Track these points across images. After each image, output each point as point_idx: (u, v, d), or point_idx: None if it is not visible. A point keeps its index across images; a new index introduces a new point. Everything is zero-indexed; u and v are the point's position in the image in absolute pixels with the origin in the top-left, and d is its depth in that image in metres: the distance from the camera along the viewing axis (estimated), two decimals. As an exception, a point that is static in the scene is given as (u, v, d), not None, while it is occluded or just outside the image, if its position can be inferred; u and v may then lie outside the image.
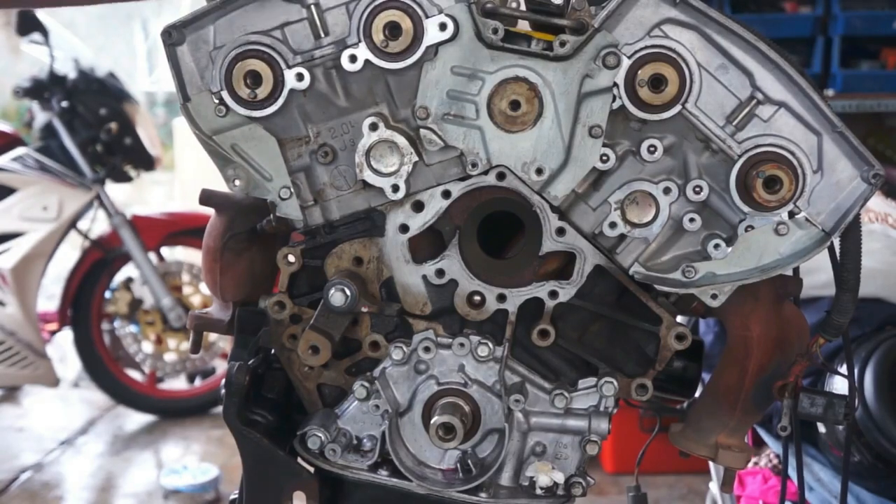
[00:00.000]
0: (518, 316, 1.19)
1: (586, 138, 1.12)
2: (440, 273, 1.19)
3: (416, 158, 1.14)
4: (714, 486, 2.45)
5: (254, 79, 1.13)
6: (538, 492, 1.20)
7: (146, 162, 4.42)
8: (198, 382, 4.60)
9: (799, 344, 1.24)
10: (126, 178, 4.45)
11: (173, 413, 4.48)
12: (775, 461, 2.30)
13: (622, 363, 1.23)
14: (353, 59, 1.12)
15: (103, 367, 4.38)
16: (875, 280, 2.25)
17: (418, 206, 1.17)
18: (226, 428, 1.20)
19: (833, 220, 1.12)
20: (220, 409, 1.53)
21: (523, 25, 1.15)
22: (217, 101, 1.14)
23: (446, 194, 1.16)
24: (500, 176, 1.15)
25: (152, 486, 3.81)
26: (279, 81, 1.13)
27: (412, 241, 1.19)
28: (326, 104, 1.15)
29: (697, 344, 1.27)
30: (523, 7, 1.14)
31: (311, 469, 1.22)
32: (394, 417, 1.19)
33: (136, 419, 4.49)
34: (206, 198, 1.29)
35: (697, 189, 1.12)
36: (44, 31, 4.27)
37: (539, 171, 1.13)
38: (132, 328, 4.41)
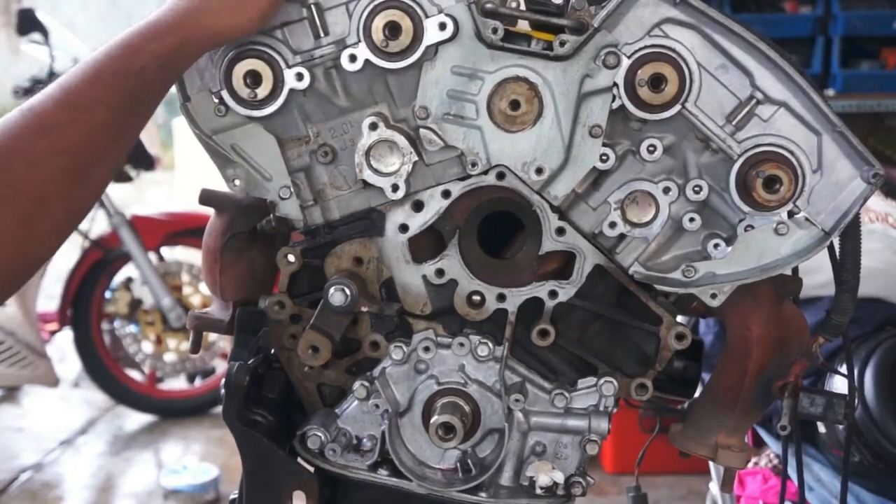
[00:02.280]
0: (518, 316, 1.19)
1: (586, 138, 1.12)
2: (440, 273, 1.19)
3: (415, 158, 1.14)
4: (714, 487, 2.45)
5: (253, 78, 1.13)
6: (538, 491, 1.19)
7: (146, 162, 4.41)
8: (198, 382, 4.59)
9: (799, 344, 1.24)
10: (126, 178, 4.43)
11: (173, 413, 4.48)
12: (775, 461, 2.30)
13: (622, 363, 1.23)
14: (352, 58, 1.12)
15: (103, 367, 4.38)
16: (875, 280, 2.25)
17: (418, 206, 1.17)
18: (226, 428, 1.20)
19: (833, 219, 1.12)
20: (220, 409, 1.53)
21: (523, 25, 1.15)
22: (217, 101, 1.14)
23: (446, 194, 1.16)
24: (500, 176, 1.15)
25: (152, 486, 3.80)
26: (279, 81, 1.13)
27: (412, 240, 1.18)
28: (326, 104, 1.15)
29: (697, 344, 1.27)
30: (523, 7, 1.14)
31: (311, 469, 1.22)
32: (394, 417, 1.19)
33: (136, 419, 4.49)
34: (206, 197, 1.29)
35: (697, 189, 1.12)
36: (44, 31, 4.26)
37: (539, 171, 1.13)
38: (132, 328, 4.40)
